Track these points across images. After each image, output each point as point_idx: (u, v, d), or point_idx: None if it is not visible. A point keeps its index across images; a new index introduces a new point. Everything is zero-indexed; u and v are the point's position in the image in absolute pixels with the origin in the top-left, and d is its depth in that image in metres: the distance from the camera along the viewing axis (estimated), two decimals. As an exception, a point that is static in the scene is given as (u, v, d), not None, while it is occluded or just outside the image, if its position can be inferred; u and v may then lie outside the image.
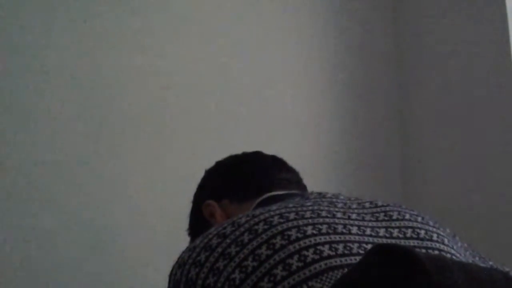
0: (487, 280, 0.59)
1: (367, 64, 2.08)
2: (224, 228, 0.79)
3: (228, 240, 0.76)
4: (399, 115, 2.10)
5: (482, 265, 0.83)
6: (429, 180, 1.98)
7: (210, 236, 0.79)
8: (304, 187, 1.11)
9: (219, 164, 1.14)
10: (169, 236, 1.60)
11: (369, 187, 1.98)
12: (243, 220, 0.79)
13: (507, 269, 0.86)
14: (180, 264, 0.80)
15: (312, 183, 1.16)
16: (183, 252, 0.82)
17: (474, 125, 1.85)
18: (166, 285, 0.84)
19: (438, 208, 1.89)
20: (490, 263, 0.87)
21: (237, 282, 0.71)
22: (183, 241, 1.11)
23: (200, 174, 1.16)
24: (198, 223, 1.09)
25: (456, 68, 1.93)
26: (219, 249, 0.76)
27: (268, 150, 1.17)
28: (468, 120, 1.87)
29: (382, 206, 0.85)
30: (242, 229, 0.77)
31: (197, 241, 0.81)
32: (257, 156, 1.12)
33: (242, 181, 1.05)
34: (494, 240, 1.71)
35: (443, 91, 1.96)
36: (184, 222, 1.16)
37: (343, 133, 2.00)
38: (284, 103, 1.92)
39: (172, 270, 0.82)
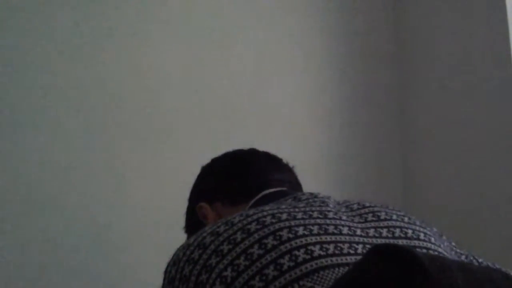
0: (487, 279, 0.59)
1: (367, 64, 2.08)
2: (218, 226, 0.81)
3: (221, 238, 0.78)
4: (399, 115, 2.10)
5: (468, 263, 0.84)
6: (430, 180, 1.98)
7: (204, 234, 0.81)
8: (299, 186, 1.11)
9: (213, 164, 1.15)
10: (169, 236, 1.60)
11: (370, 187, 1.98)
12: (237, 219, 0.80)
13: (497, 267, 0.87)
14: (174, 261, 0.81)
15: (312, 183, 1.16)
16: (178, 249, 0.83)
17: (475, 125, 1.85)
18: (161, 285, 0.84)
19: (438, 208, 1.89)
20: (480, 260, 0.88)
21: (229, 280, 0.72)
22: (182, 240, 1.12)
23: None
24: (193, 222, 1.11)
25: (456, 68, 1.93)
26: (212, 247, 0.77)
27: (268, 150, 1.16)
28: (468, 120, 1.87)
29: (370, 206, 0.87)
30: (235, 228, 0.78)
31: (192, 239, 0.82)
32: (251, 156, 1.12)
33: (234, 186, 1.06)
34: (494, 240, 1.72)
35: (443, 91, 1.96)
36: (183, 224, 1.17)
37: (343, 133, 2.00)
38: (283, 103, 1.92)
39: (166, 268, 0.83)
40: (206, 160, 1.17)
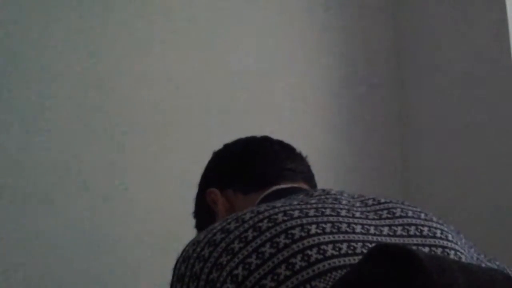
0: (487, 280, 0.59)
1: (367, 63, 2.08)
2: (229, 223, 0.79)
3: (232, 236, 0.76)
4: (399, 115, 2.09)
5: (482, 265, 0.83)
6: (430, 180, 1.98)
7: (215, 231, 0.79)
8: (312, 176, 1.10)
9: (226, 150, 1.13)
10: (169, 236, 1.60)
11: (369, 187, 1.98)
12: (248, 216, 0.78)
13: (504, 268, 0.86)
14: (184, 258, 0.80)
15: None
16: (187, 246, 0.82)
17: (474, 125, 1.85)
18: (166, 284, 0.84)
19: (438, 208, 1.89)
20: (497, 263, 0.87)
21: (240, 278, 0.71)
22: (183, 241, 1.11)
23: (200, 174, 1.16)
24: (202, 208, 1.09)
25: (456, 68, 1.93)
26: (223, 244, 0.76)
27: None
28: (468, 120, 1.87)
29: (385, 203, 0.85)
30: (246, 225, 0.77)
31: (201, 236, 0.81)
32: (264, 144, 1.10)
33: (246, 173, 1.04)
34: (495, 240, 1.71)
35: (443, 91, 1.96)
36: (186, 221, 1.16)
37: (343, 133, 2.00)
38: (283, 103, 1.92)
39: (176, 264, 0.82)
40: (206, 160, 1.16)
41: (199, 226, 1.11)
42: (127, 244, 1.61)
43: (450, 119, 1.93)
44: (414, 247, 0.73)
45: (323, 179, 1.89)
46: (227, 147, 1.13)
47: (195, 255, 0.78)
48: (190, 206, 1.15)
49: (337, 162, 1.97)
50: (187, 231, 1.15)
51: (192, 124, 1.77)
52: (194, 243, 0.80)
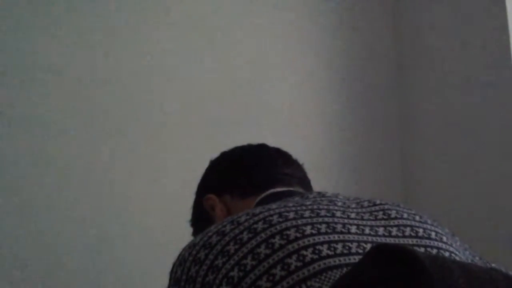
0: (487, 280, 0.58)
1: (367, 64, 2.08)
2: (224, 226, 0.79)
3: (227, 238, 0.76)
4: (399, 115, 2.09)
5: (481, 265, 0.83)
6: (429, 180, 1.98)
7: (210, 233, 0.79)
8: (308, 182, 1.11)
9: (223, 157, 1.14)
10: (169, 237, 1.60)
11: (369, 187, 1.98)
12: (243, 218, 0.79)
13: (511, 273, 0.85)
14: (180, 261, 0.80)
15: (312, 183, 1.16)
16: (183, 249, 0.82)
17: (474, 125, 1.85)
18: (166, 285, 0.84)
19: (438, 208, 1.89)
20: (493, 265, 0.87)
21: (236, 280, 0.71)
22: (183, 241, 1.11)
23: (200, 175, 1.16)
24: (199, 215, 1.10)
25: (456, 68, 1.93)
26: (218, 247, 0.76)
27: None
28: (467, 119, 1.87)
29: (380, 204, 0.85)
30: (241, 227, 0.77)
31: (197, 239, 0.81)
32: (261, 150, 1.11)
33: (243, 178, 1.05)
34: (494, 240, 1.71)
35: (443, 91, 1.96)
36: (184, 224, 1.16)
37: (343, 133, 2.00)
38: (283, 103, 1.92)
39: (172, 268, 0.82)
40: (206, 160, 1.16)
41: (197, 234, 1.11)
42: (126, 245, 1.61)
43: (449, 119, 1.93)
44: None
45: (323, 179, 1.90)
46: (224, 154, 1.14)
47: (191, 258, 0.78)
48: (190, 208, 1.15)
49: (337, 162, 1.97)
50: (186, 233, 1.15)
51: (193, 124, 1.77)
52: (190, 246, 0.81)
